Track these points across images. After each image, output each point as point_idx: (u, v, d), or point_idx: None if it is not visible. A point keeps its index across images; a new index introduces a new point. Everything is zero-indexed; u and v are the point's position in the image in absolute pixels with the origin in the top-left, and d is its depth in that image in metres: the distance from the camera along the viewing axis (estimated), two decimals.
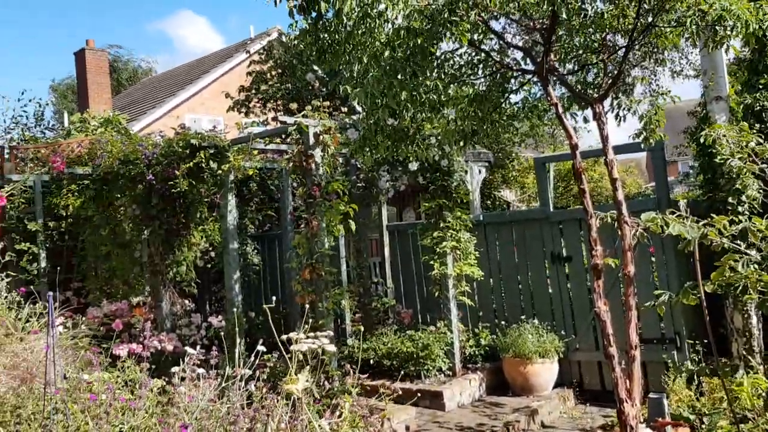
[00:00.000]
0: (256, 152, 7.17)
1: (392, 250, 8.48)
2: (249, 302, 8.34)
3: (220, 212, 7.04)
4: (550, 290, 7.13)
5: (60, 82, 32.21)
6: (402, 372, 6.61)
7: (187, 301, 7.75)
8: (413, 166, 6.76)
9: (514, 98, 5.30)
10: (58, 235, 8.31)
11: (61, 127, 11.87)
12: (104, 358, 4.50)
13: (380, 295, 8.32)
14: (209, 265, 8.42)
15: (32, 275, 7.85)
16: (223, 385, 3.17)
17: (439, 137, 5.72)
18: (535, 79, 5.17)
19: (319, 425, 2.67)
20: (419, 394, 6.29)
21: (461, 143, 5.20)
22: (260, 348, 3.20)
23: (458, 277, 7.00)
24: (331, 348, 3.09)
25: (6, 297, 5.32)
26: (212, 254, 8.37)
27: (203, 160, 6.55)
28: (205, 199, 7.27)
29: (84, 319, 5.84)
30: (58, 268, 6.87)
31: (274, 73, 12.31)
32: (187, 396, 2.98)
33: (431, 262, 6.92)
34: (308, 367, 2.85)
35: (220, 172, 6.58)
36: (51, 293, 3.61)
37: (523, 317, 7.07)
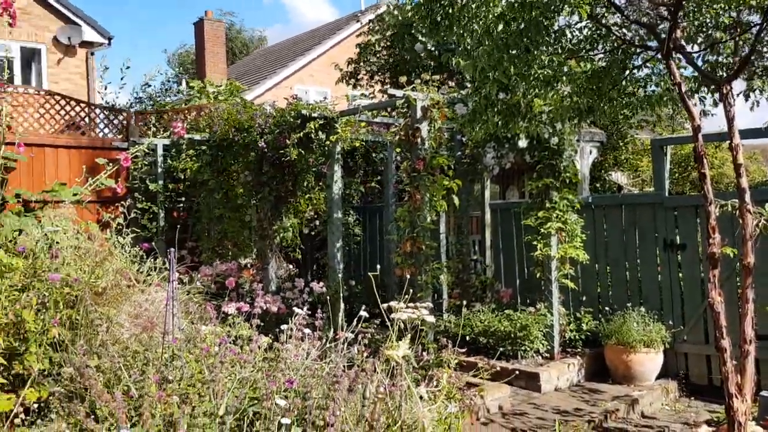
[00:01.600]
0: (363, 124, 7.27)
1: (493, 229, 8.39)
2: (349, 271, 8.53)
3: (326, 182, 7.21)
4: (660, 278, 6.84)
5: (173, 52, 33.88)
6: (498, 351, 6.58)
7: (291, 266, 8.05)
8: (522, 143, 6.63)
9: (634, 75, 5.08)
10: (176, 197, 8.82)
11: (181, 95, 12.48)
12: (215, 314, 4.75)
13: (479, 273, 8.27)
14: (313, 233, 8.67)
15: (152, 233, 8.39)
16: (326, 347, 3.27)
17: (551, 114, 5.56)
18: (658, 56, 4.93)
19: (418, 392, 2.71)
20: (514, 374, 6.24)
21: (575, 120, 5.04)
22: (362, 314, 3.28)
23: (562, 259, 6.83)
24: (430, 319, 3.12)
25: (129, 251, 5.73)
26: (317, 222, 8.60)
27: (313, 131, 6.72)
28: (313, 169, 7.47)
29: (198, 275, 6.18)
30: (177, 227, 7.29)
31: (383, 45, 12.37)
32: (293, 353, 3.11)
33: (534, 243, 6.79)
34: (408, 335, 2.89)
35: (328, 142, 6.73)
36: (172, 249, 3.83)
37: (629, 304, 6.83)
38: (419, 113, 5.87)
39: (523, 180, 9.20)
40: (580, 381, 6.54)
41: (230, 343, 3.84)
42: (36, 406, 4.23)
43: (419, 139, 5.87)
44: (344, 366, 3.08)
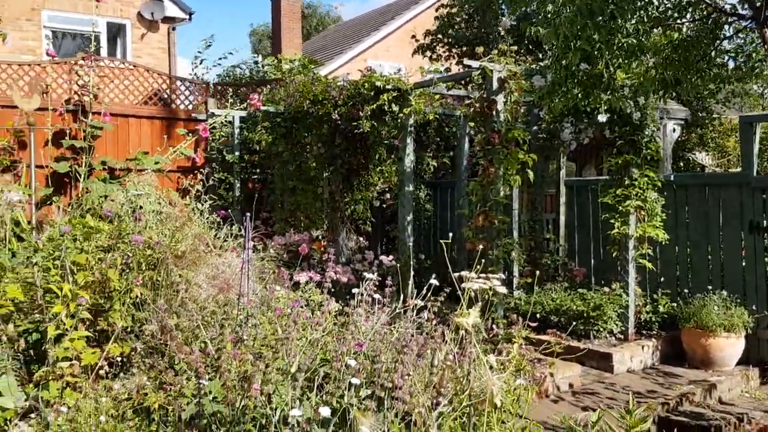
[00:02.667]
0: (437, 96, 7.20)
1: (568, 207, 8.20)
2: (418, 246, 8.53)
3: (398, 155, 7.20)
4: (744, 262, 6.53)
5: (257, 27, 34.50)
6: (569, 330, 6.45)
7: (361, 239, 8.11)
8: (602, 117, 6.41)
9: (724, 46, 4.82)
10: (251, 168, 9.01)
11: (257, 69, 12.69)
12: (287, 282, 4.85)
13: (552, 252, 8.12)
14: (384, 206, 8.69)
15: (228, 203, 8.62)
16: (396, 313, 3.29)
17: (634, 86, 5.35)
18: (752, 26, 4.65)
19: (487, 360, 2.69)
20: (586, 354, 6.12)
21: (660, 92, 4.83)
22: (433, 281, 3.27)
23: (640, 238, 6.61)
24: (502, 289, 3.07)
25: (207, 218, 5.91)
26: (387, 196, 8.62)
27: (386, 103, 6.71)
28: (385, 141, 7.47)
29: (272, 242, 6.31)
30: (252, 198, 7.45)
31: (462, 17, 12.18)
32: (363, 318, 3.14)
33: (611, 221, 6.59)
34: (479, 304, 2.87)
35: (401, 115, 6.70)
36: (248, 213, 3.92)
37: (709, 287, 6.56)
38: (495, 85, 5.76)
39: (601, 158, 8.91)
40: (654, 364, 6.34)
41: (303, 307, 3.91)
42: (119, 360, 4.46)
43: (494, 112, 5.76)
44: (413, 332, 3.09)
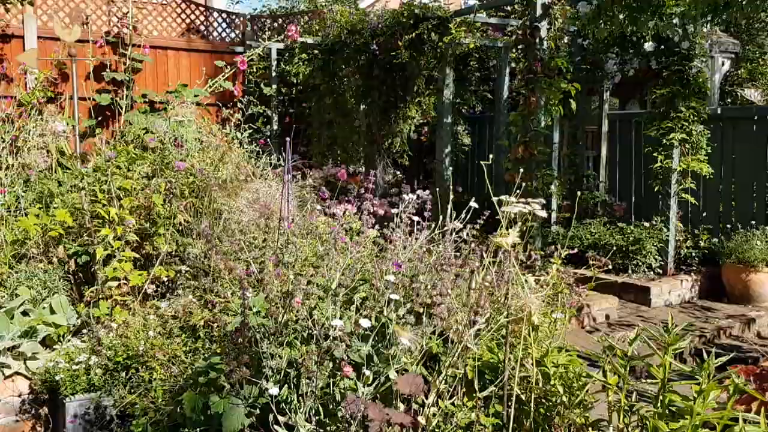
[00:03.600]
0: (478, 24, 7.02)
1: (610, 143, 8.03)
2: (455, 180, 8.49)
3: (436, 86, 7.09)
4: None
5: None
6: (607, 265, 6.42)
7: (398, 172, 8.11)
8: (648, 46, 6.20)
9: None
10: (288, 102, 9.00)
11: (294, 1, 12.50)
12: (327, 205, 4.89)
13: (591, 188, 8.00)
14: (422, 138, 8.63)
15: (265, 136, 8.66)
16: (434, 235, 3.31)
17: (683, 12, 5.13)
18: None
19: (525, 280, 2.70)
20: (623, 288, 6.12)
21: (709, 17, 4.63)
22: (472, 204, 3.26)
23: (683, 172, 6.47)
24: (542, 213, 3.05)
25: (246, 148, 5.96)
26: (425, 129, 8.55)
27: (425, 32, 6.58)
28: (423, 72, 7.35)
29: (310, 172, 6.36)
30: (292, 130, 7.47)
31: None
32: (402, 239, 3.17)
33: (654, 154, 6.45)
34: (518, 225, 2.86)
35: (440, 44, 6.57)
36: (288, 139, 3.93)
37: (752, 222, 6.43)
38: (539, 10, 5.58)
39: (645, 93, 8.65)
40: (692, 298, 6.30)
41: (340, 233, 3.96)
42: (165, 283, 4.61)
43: (537, 39, 5.60)
44: (452, 254, 3.11)
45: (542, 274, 3.49)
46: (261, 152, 6.20)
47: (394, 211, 3.41)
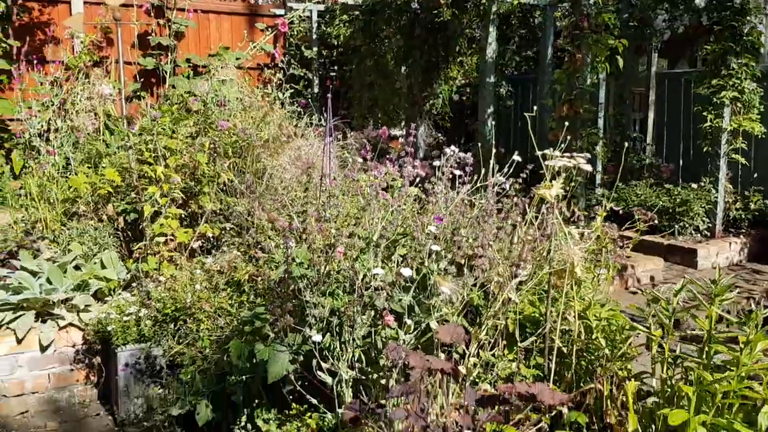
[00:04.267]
0: None
1: (658, 104, 7.81)
2: (498, 142, 8.39)
3: (479, 44, 6.98)
4: None
5: None
6: (653, 227, 6.30)
7: (439, 134, 8.05)
8: (700, 1, 5.97)
9: None
10: (329, 65, 8.98)
11: None
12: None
13: (638, 150, 7.83)
14: (464, 98, 8.53)
15: (307, 99, 8.67)
16: (476, 188, 3.29)
17: None
18: None
19: (569, 231, 2.68)
20: (669, 250, 6.01)
21: None
22: (516, 158, 3.23)
23: (734, 132, 6.28)
24: (587, 167, 3.00)
25: (288, 109, 5.99)
26: (467, 90, 8.44)
27: None
28: (466, 31, 7.24)
29: (351, 134, 6.36)
30: (334, 91, 7.45)
31: None
32: (442, 192, 3.16)
33: (704, 114, 6.27)
34: (562, 175, 2.82)
35: (483, 1, 6.45)
36: (329, 95, 3.93)
37: None
38: None
39: (695, 50, 8.36)
40: (741, 261, 6.16)
41: (382, 190, 3.97)
42: (210, 241, 4.70)
43: None
44: (494, 207, 3.10)
45: (585, 230, 3.45)
46: (302, 113, 6.23)
47: (448, 152, 3.40)
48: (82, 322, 4.01)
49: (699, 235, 6.29)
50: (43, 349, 3.90)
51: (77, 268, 4.26)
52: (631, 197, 6.67)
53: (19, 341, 3.83)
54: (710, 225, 6.28)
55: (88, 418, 3.82)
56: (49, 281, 4.00)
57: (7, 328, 3.85)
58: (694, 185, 6.52)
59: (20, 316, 3.88)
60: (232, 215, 4.59)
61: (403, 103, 8.07)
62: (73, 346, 4.01)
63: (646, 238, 6.21)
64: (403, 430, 2.47)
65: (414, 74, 7.67)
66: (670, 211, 6.29)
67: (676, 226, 6.29)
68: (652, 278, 5.46)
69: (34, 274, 4.08)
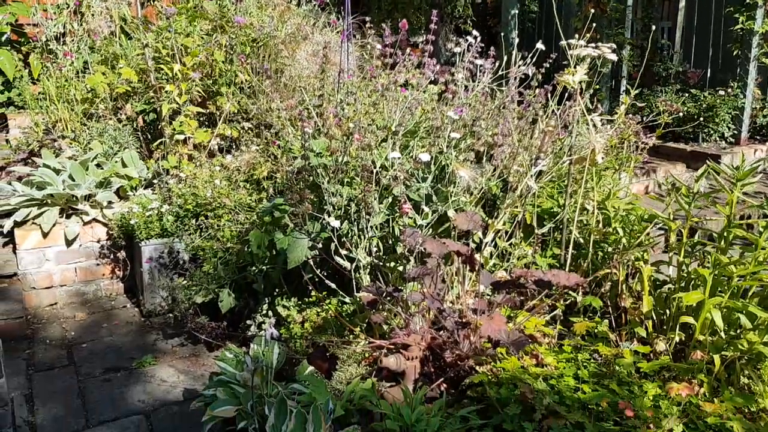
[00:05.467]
0: None
1: (688, 8, 7.48)
2: (521, 48, 8.16)
3: None
4: None
5: None
6: (677, 133, 6.18)
7: (461, 39, 7.82)
8: None
9: None
10: None
11: None
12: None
13: (665, 59, 7.57)
14: (487, 2, 8.24)
15: (324, 1, 8.43)
16: (497, 77, 3.23)
17: None
18: None
19: (591, 119, 2.63)
20: (692, 156, 5.91)
21: None
22: (539, 46, 3.14)
23: (765, 35, 6.03)
24: (612, 56, 2.91)
25: (305, 8, 5.83)
26: None
27: None
28: None
29: (371, 36, 6.20)
30: None
31: None
32: (463, 86, 3.10)
33: (736, 15, 6.02)
34: (586, 61, 2.74)
35: None
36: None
37: None
38: None
39: None
40: (765, 170, 6.05)
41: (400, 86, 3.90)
42: (228, 142, 4.70)
43: None
44: (515, 98, 3.04)
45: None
46: (321, 10, 6.07)
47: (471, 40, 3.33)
48: (105, 217, 4.09)
49: (724, 142, 6.17)
50: (69, 243, 4.00)
51: (99, 166, 4.30)
52: (656, 103, 6.51)
53: (45, 235, 3.92)
54: (736, 132, 6.14)
55: (116, 310, 3.96)
56: (71, 178, 4.05)
57: (33, 223, 3.94)
58: (722, 91, 6.34)
59: (45, 211, 3.95)
60: (250, 116, 4.56)
61: (423, 6, 7.82)
62: (98, 241, 4.11)
63: (669, 144, 6.11)
64: (419, 313, 2.53)
65: None
66: (695, 117, 6.15)
67: (701, 133, 6.16)
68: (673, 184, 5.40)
69: (56, 171, 4.13)
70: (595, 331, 2.53)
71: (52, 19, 6.42)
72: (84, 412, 2.87)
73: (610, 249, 2.85)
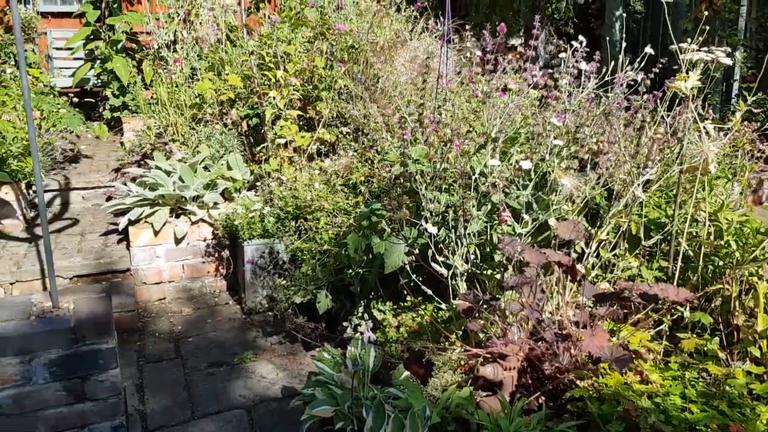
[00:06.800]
0: None
1: None
2: (626, 49, 7.88)
3: None
4: None
5: None
6: None
7: (561, 42, 7.64)
8: None
9: None
10: None
11: None
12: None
13: None
14: (590, 0, 8.01)
15: (423, 5, 8.46)
16: (603, 83, 3.14)
17: None
18: None
19: (704, 126, 2.50)
20: None
21: None
22: (648, 50, 3.02)
23: None
24: (727, 60, 2.76)
25: (403, 14, 5.87)
26: None
27: None
28: None
29: (468, 40, 6.17)
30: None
31: None
32: (566, 92, 3.03)
33: None
34: (699, 67, 2.61)
35: None
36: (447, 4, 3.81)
37: None
38: None
39: None
40: None
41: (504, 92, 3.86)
42: (327, 147, 4.80)
43: None
44: (621, 103, 2.94)
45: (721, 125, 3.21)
46: (420, 14, 6.10)
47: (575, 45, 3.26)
48: (211, 217, 4.27)
49: None
50: (177, 241, 4.21)
51: (206, 168, 4.50)
52: None
53: (156, 233, 4.14)
54: None
55: (219, 306, 4.13)
56: (181, 180, 4.26)
57: (146, 221, 4.17)
58: None
59: (156, 210, 4.18)
60: (348, 120, 4.64)
61: (522, 8, 7.70)
62: (204, 240, 4.30)
63: None
64: (517, 323, 2.49)
65: None
66: None
67: None
68: None
69: (167, 173, 4.35)
70: (704, 348, 2.41)
71: (163, 28, 6.79)
72: (190, 404, 3.01)
73: (721, 263, 2.70)
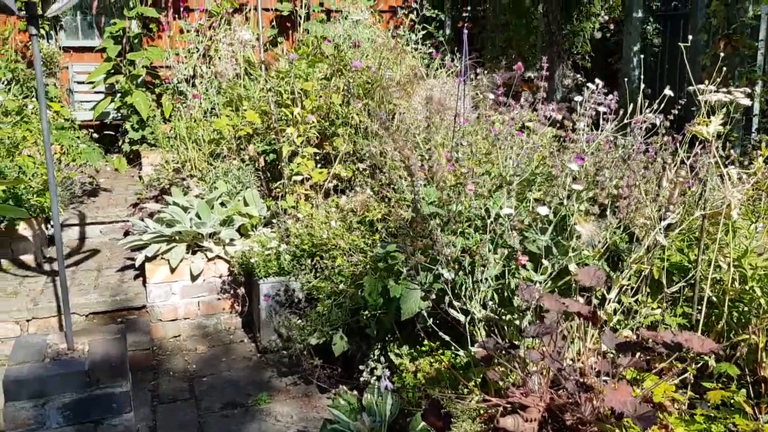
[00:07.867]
0: None
1: None
2: (642, 84, 7.85)
3: None
4: None
5: None
6: None
7: (578, 75, 7.65)
8: None
9: None
10: (461, 6, 8.73)
11: None
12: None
13: None
14: (607, 36, 8.01)
15: (438, 41, 8.52)
16: (622, 125, 3.11)
17: None
18: None
19: (727, 172, 2.46)
20: None
21: None
22: (667, 92, 2.99)
23: None
24: (745, 101, 2.72)
25: (419, 49, 5.91)
26: (611, 27, 7.92)
27: None
28: None
29: (483, 75, 6.19)
30: (466, 33, 7.26)
31: None
32: (584, 129, 3.01)
33: None
34: (721, 111, 2.58)
35: None
36: (464, 34, 3.83)
37: None
38: None
39: None
40: None
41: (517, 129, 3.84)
42: (343, 182, 4.80)
43: None
44: (639, 148, 2.90)
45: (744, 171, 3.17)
46: (434, 53, 6.14)
47: (591, 87, 3.24)
48: (227, 254, 4.27)
49: None
50: (194, 278, 4.20)
51: (222, 204, 4.51)
52: None
53: (172, 270, 4.14)
54: None
55: (233, 344, 4.10)
56: (198, 216, 4.27)
57: (162, 258, 4.17)
58: None
59: (173, 247, 4.18)
60: (364, 157, 4.65)
61: (539, 43, 7.72)
62: (220, 277, 4.29)
63: None
64: (537, 372, 2.43)
65: (552, 10, 7.29)
66: None
67: None
68: None
69: (184, 209, 4.37)
70: (731, 401, 2.34)
71: (182, 63, 6.88)
72: None
73: (746, 309, 2.64)
